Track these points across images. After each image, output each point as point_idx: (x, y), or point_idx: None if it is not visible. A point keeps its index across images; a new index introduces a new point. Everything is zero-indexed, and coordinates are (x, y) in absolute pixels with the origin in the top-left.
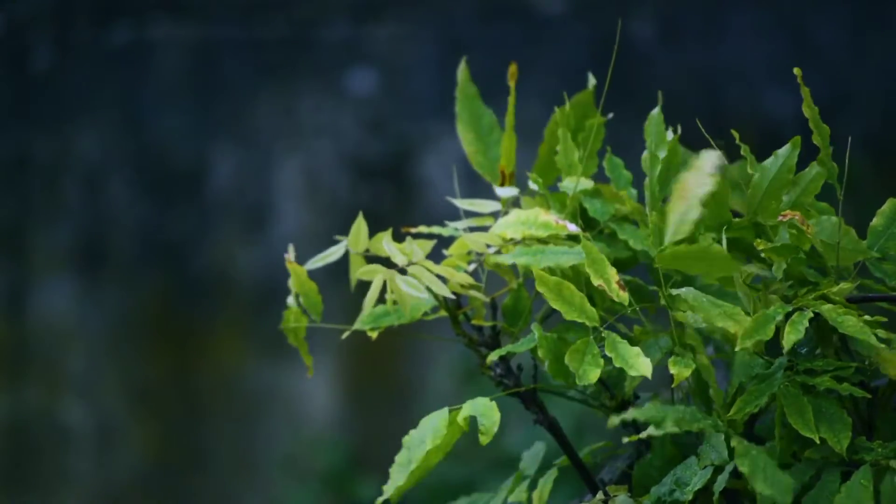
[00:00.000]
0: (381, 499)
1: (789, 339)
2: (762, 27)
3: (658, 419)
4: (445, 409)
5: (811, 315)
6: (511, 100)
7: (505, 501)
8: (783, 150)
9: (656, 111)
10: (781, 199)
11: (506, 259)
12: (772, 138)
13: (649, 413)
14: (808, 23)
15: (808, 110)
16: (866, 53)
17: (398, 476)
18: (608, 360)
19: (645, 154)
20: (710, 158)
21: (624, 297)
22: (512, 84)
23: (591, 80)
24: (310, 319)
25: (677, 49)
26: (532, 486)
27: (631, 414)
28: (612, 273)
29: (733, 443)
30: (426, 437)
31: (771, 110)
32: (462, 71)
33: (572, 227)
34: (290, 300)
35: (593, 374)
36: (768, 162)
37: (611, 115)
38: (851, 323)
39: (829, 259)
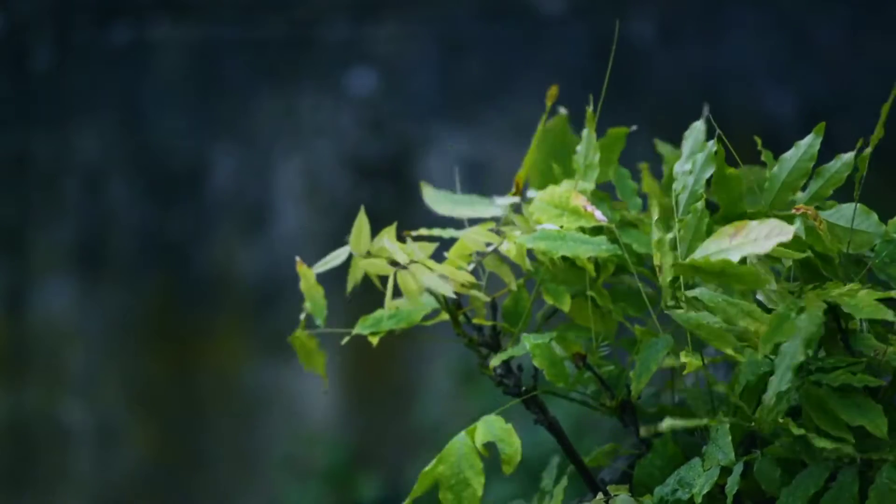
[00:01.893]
0: None
1: (809, 337)
2: (762, 27)
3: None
4: (464, 435)
5: (825, 307)
6: (543, 118)
7: None
8: (806, 140)
9: (700, 123)
10: (798, 191)
11: (524, 241)
12: (772, 138)
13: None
14: (808, 23)
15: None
16: (866, 53)
17: None
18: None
19: (683, 163)
20: (783, 230)
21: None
22: (549, 104)
23: (563, 111)
24: (314, 324)
25: (677, 49)
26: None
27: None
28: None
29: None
30: (469, 476)
31: (771, 110)
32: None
33: (600, 217)
34: (308, 306)
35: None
36: (788, 153)
37: (634, 128)
38: (867, 304)
39: (844, 245)
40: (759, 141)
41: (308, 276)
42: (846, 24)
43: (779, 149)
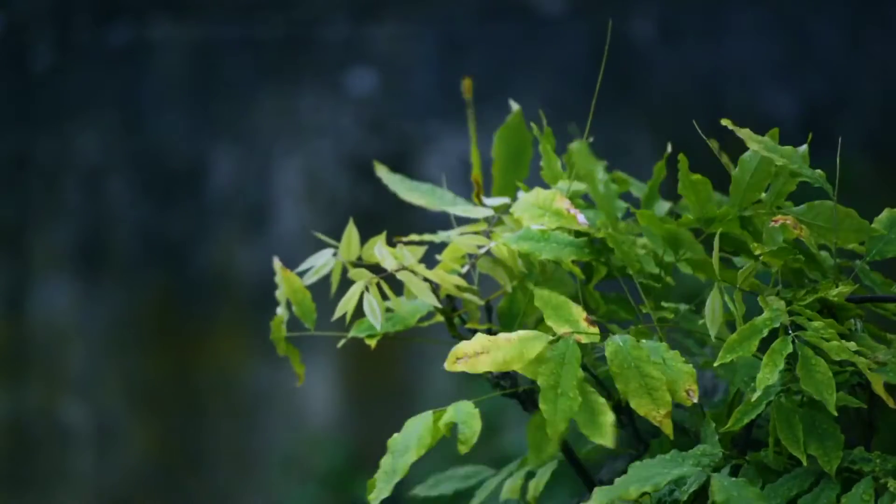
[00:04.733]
0: None
1: (763, 377)
2: (762, 27)
3: (642, 477)
4: (429, 414)
5: (790, 349)
6: (470, 113)
7: (503, 483)
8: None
9: (576, 144)
10: (763, 190)
11: (508, 241)
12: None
13: (633, 479)
14: (808, 23)
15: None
16: (866, 53)
17: (384, 486)
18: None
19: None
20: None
21: (596, 334)
22: (467, 97)
23: (515, 106)
24: (304, 328)
25: (677, 49)
26: (530, 476)
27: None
28: (579, 311)
29: (713, 482)
30: (411, 444)
31: (771, 110)
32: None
33: (582, 220)
34: (280, 310)
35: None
36: (747, 155)
37: (591, 139)
38: (835, 348)
39: (828, 241)
40: (710, 143)
41: (292, 280)
42: (846, 24)
43: None
